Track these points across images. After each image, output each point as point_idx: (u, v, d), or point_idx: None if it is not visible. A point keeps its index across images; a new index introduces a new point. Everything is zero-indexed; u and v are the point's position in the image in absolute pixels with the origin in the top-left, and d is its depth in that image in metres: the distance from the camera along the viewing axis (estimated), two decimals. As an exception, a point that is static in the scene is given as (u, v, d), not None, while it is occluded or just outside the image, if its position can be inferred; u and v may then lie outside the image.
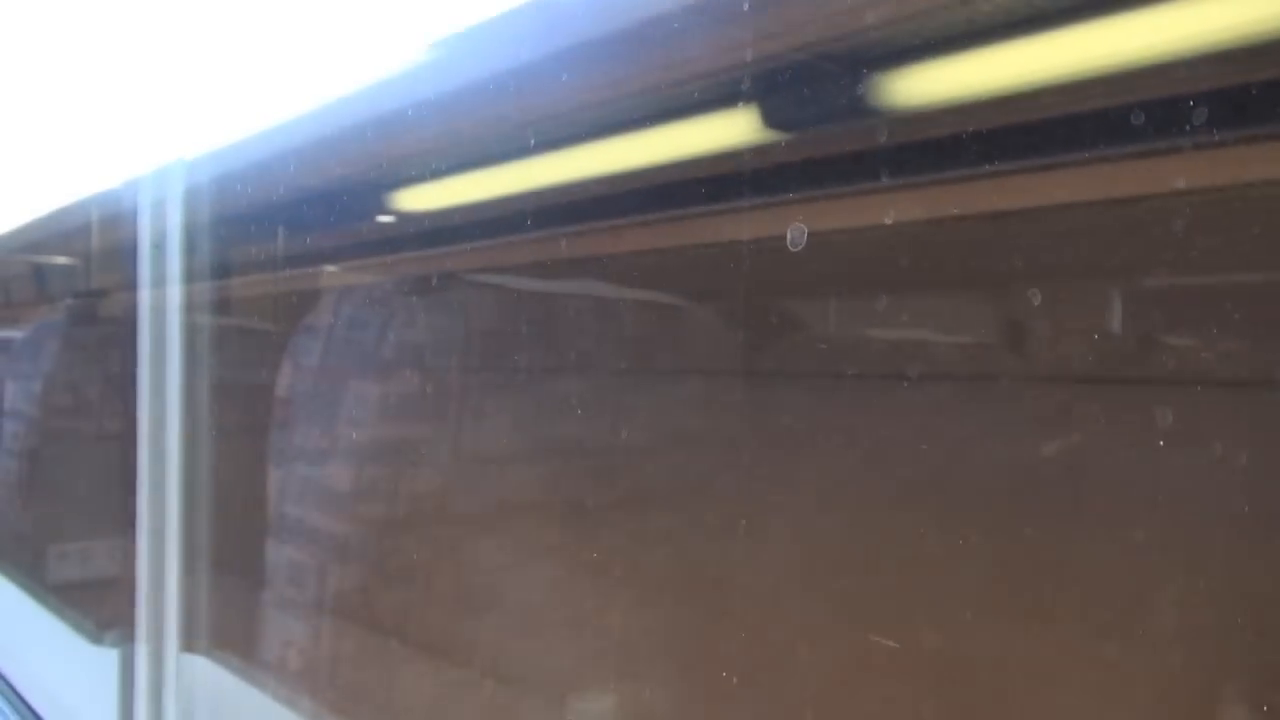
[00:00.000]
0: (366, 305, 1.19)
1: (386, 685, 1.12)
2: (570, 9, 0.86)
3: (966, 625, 0.59)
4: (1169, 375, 0.49)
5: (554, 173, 0.89)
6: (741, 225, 0.69)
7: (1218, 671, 0.49)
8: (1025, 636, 0.57)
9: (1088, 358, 0.52)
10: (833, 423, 0.66)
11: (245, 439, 1.44)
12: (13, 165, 2.29)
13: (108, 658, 1.68)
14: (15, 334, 2.50)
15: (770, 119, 0.68)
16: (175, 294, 1.50)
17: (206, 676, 1.44)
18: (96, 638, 1.79)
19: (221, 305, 1.49)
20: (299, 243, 1.30)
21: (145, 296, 1.56)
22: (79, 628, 1.90)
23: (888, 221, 0.60)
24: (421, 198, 1.08)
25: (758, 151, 0.69)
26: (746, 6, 0.68)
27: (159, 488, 1.53)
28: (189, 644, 1.49)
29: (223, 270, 1.47)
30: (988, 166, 0.56)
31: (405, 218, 1.12)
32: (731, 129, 0.71)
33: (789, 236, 0.64)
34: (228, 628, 1.45)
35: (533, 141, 0.89)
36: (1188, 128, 0.47)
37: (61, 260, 2.29)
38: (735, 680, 0.70)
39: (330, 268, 1.28)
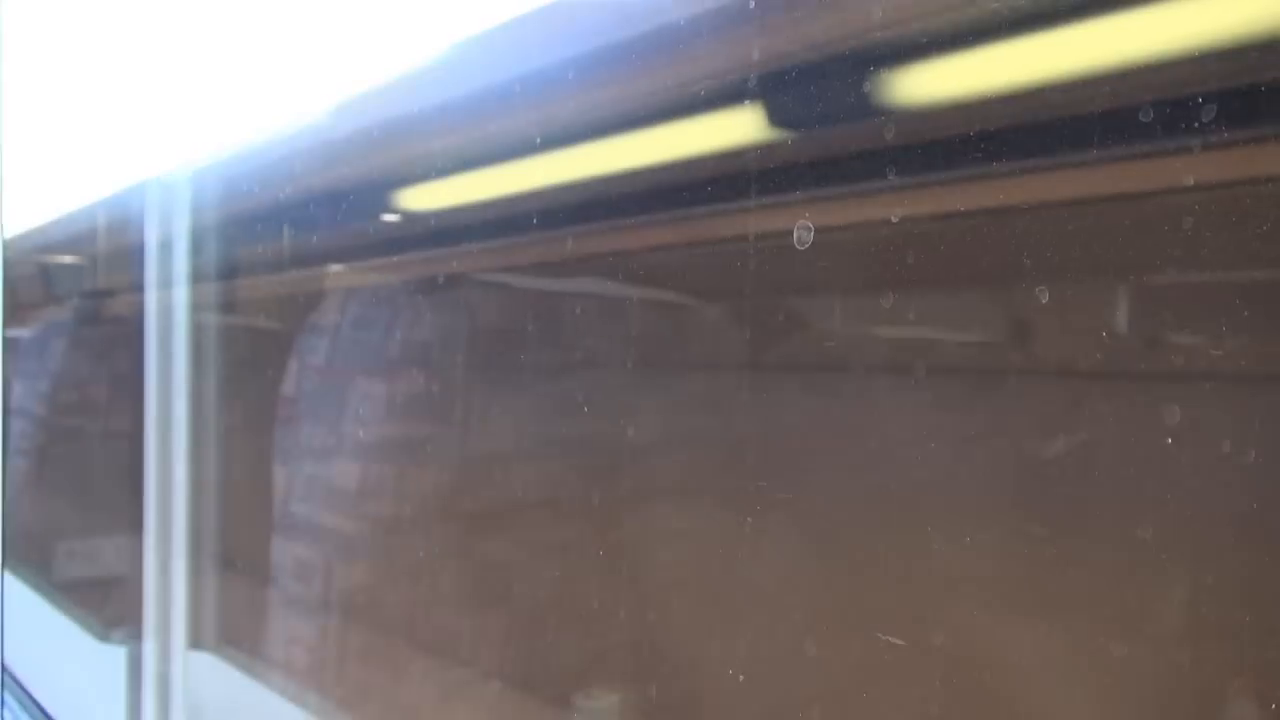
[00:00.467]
0: (373, 305, 1.19)
1: (392, 682, 1.13)
2: (577, 9, 0.86)
3: (966, 626, 0.59)
4: (1177, 371, 0.49)
5: (560, 172, 0.89)
6: (749, 222, 0.69)
7: (1224, 667, 0.49)
8: (1025, 636, 0.57)
9: (1094, 354, 0.52)
10: (838, 418, 0.66)
11: (252, 437, 1.44)
12: (23, 169, 2.30)
13: (115, 655, 1.69)
14: (23, 333, 2.51)
15: (775, 117, 0.68)
16: (182, 294, 1.51)
17: (214, 673, 1.45)
18: (104, 635, 1.80)
19: (227, 306, 1.49)
20: (305, 243, 1.30)
21: (152, 297, 1.56)
22: (87, 625, 1.90)
23: (894, 219, 0.60)
24: (426, 198, 1.08)
25: (763, 150, 0.69)
26: (753, 5, 0.68)
27: (166, 486, 1.54)
28: (196, 641, 1.49)
29: (229, 271, 1.48)
30: (995, 165, 0.56)
31: (411, 218, 1.12)
32: (737, 128, 0.71)
33: (795, 234, 0.64)
34: (235, 625, 1.45)
35: (539, 141, 0.89)
36: (1197, 125, 0.47)
37: (69, 260, 2.30)
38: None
39: (336, 267, 1.29)
